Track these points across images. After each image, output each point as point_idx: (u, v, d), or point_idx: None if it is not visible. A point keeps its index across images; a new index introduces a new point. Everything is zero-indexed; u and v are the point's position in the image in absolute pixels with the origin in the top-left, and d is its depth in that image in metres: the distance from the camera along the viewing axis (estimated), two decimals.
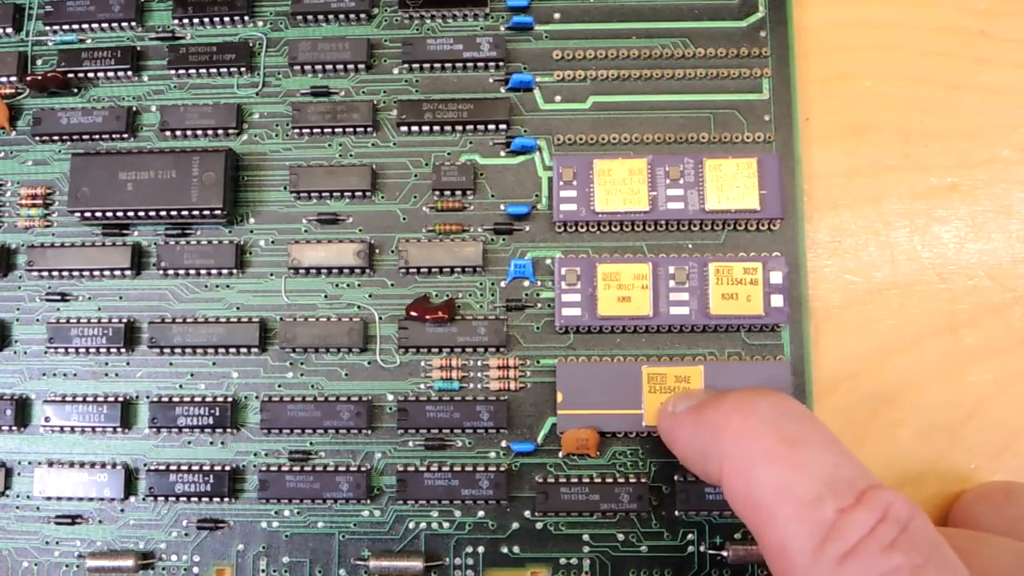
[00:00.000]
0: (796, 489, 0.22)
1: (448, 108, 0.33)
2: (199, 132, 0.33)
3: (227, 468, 0.31)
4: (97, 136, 0.33)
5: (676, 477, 0.31)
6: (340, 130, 0.33)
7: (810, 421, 0.24)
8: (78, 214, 0.32)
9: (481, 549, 0.31)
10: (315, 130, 0.33)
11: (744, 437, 0.24)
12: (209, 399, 0.32)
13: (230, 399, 0.32)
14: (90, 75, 0.34)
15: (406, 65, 0.33)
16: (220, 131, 0.33)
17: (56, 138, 0.33)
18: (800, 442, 0.23)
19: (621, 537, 0.31)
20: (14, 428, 0.32)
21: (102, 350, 0.32)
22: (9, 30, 0.34)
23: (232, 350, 0.32)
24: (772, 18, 0.33)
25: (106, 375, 0.32)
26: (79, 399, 0.32)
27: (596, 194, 0.31)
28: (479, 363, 0.32)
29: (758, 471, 0.23)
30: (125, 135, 0.33)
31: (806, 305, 0.32)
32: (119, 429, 0.32)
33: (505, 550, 0.31)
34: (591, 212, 0.31)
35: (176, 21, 0.34)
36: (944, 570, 0.21)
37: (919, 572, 0.20)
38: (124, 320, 0.32)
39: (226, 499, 0.31)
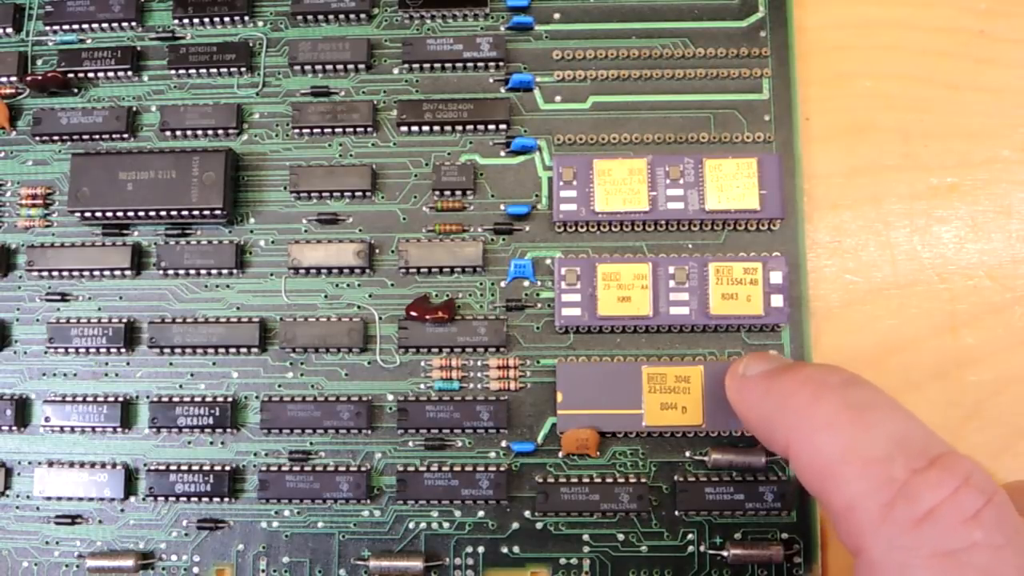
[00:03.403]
0: (862, 448, 0.22)
1: (448, 108, 0.33)
2: (199, 132, 0.33)
3: (227, 468, 0.31)
4: (97, 136, 0.33)
5: (676, 477, 0.31)
6: (340, 130, 0.33)
7: (879, 391, 0.24)
8: (78, 214, 0.32)
9: (481, 549, 0.31)
10: (315, 130, 0.33)
11: (811, 407, 0.23)
12: (209, 399, 0.32)
13: (230, 399, 0.32)
14: (90, 75, 0.34)
15: (406, 65, 0.33)
16: (220, 131, 0.33)
17: (56, 138, 0.33)
18: (867, 407, 0.23)
19: (621, 537, 0.31)
20: (14, 428, 0.32)
21: (102, 350, 0.32)
22: (9, 30, 0.34)
23: (232, 350, 0.32)
24: (772, 18, 0.33)
25: (106, 375, 0.32)
26: (79, 399, 0.32)
27: (596, 194, 0.31)
28: (479, 363, 0.32)
29: (823, 436, 0.23)
30: (125, 135, 0.33)
31: (806, 305, 0.32)
32: (119, 429, 0.32)
33: (505, 550, 0.31)
34: (591, 212, 0.31)
35: (176, 21, 0.34)
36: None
37: (999, 555, 0.19)
38: (124, 320, 0.32)
39: (226, 499, 0.31)
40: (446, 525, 0.31)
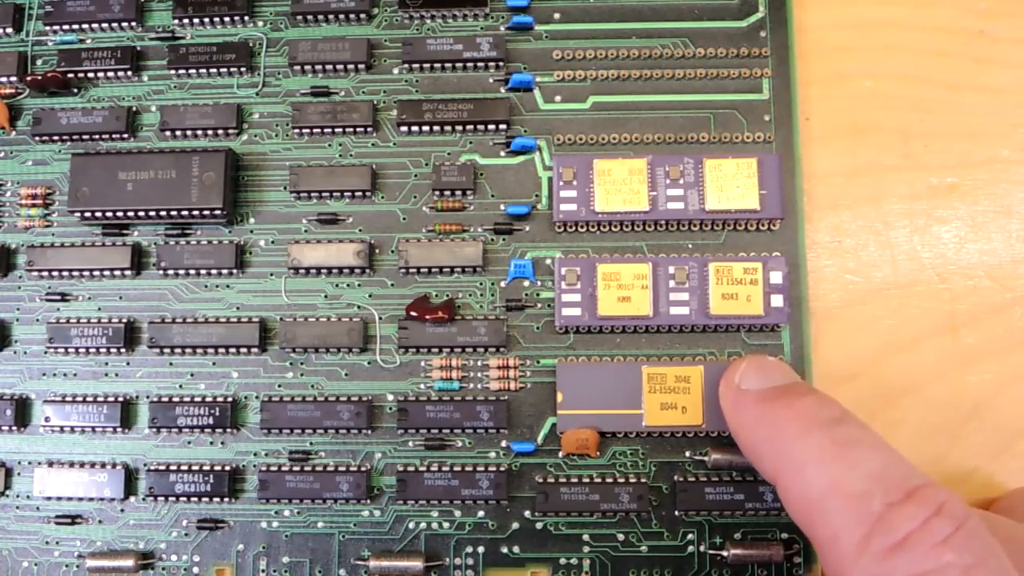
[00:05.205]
0: (845, 484, 0.23)
1: (448, 108, 0.33)
2: (199, 132, 0.33)
3: (227, 468, 0.31)
4: (97, 136, 0.33)
5: (676, 477, 0.31)
6: (340, 130, 0.33)
7: (865, 428, 0.25)
8: (78, 214, 0.32)
9: (481, 549, 0.31)
10: (315, 130, 0.33)
11: (800, 441, 0.25)
12: (209, 399, 0.32)
13: (230, 399, 0.32)
14: (90, 75, 0.34)
15: (406, 65, 0.33)
16: (220, 131, 0.33)
17: (56, 138, 0.33)
18: (852, 444, 0.24)
19: (621, 537, 0.31)
20: (14, 428, 0.32)
21: (102, 350, 0.32)
22: (9, 30, 0.34)
23: (232, 350, 0.32)
24: (772, 18, 0.33)
25: (106, 375, 0.32)
26: (79, 399, 0.32)
27: (596, 194, 0.31)
28: (479, 363, 0.32)
29: (811, 471, 0.24)
30: (125, 135, 0.33)
31: (806, 305, 0.32)
32: (119, 429, 0.32)
33: (505, 550, 0.31)
34: (591, 212, 0.31)
35: (176, 21, 0.34)
36: (997, 574, 0.20)
37: (970, 574, 0.20)
38: (124, 320, 0.32)
39: (226, 499, 0.31)
40: (446, 525, 0.31)
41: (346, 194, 0.33)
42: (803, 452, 0.24)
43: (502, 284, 0.32)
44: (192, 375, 0.32)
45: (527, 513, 0.31)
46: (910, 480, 0.23)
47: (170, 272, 0.33)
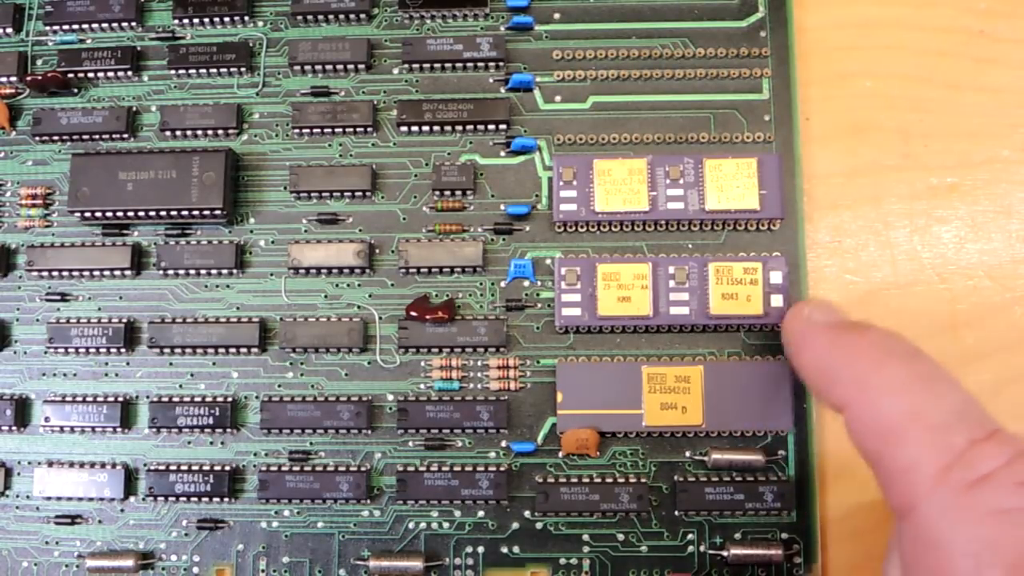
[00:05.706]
0: (927, 414, 0.23)
1: (448, 108, 0.33)
2: (199, 132, 0.33)
3: (227, 468, 0.31)
4: (97, 136, 0.33)
5: (676, 477, 0.31)
6: (340, 130, 0.33)
7: (941, 367, 0.24)
8: (78, 214, 0.32)
9: (481, 549, 0.31)
10: (315, 130, 0.33)
11: (878, 370, 0.24)
12: (209, 399, 0.32)
13: (230, 399, 0.32)
14: (90, 75, 0.34)
15: (406, 65, 0.33)
16: (220, 131, 0.33)
17: (56, 138, 0.33)
18: (931, 379, 0.24)
19: (621, 537, 0.31)
20: (14, 428, 0.32)
21: (102, 350, 0.32)
22: (9, 30, 0.34)
23: (232, 350, 0.32)
24: (772, 18, 0.33)
25: (106, 375, 0.32)
26: (79, 399, 0.32)
27: (596, 194, 0.31)
28: (479, 363, 0.32)
29: (889, 399, 0.23)
30: (125, 135, 0.33)
31: None
32: (119, 429, 0.32)
33: (505, 550, 0.31)
34: (591, 212, 0.31)
35: (176, 21, 0.34)
36: None
37: None
38: (124, 320, 0.32)
39: (226, 499, 0.31)
40: (446, 525, 0.31)
41: (346, 194, 0.33)
42: (881, 380, 0.24)
43: (502, 284, 0.32)
44: (192, 375, 0.32)
45: (527, 513, 0.31)
46: (989, 421, 0.22)
47: (170, 272, 0.33)
